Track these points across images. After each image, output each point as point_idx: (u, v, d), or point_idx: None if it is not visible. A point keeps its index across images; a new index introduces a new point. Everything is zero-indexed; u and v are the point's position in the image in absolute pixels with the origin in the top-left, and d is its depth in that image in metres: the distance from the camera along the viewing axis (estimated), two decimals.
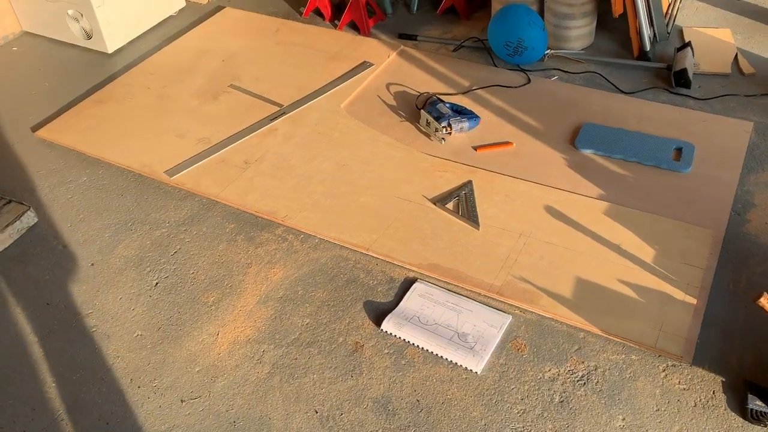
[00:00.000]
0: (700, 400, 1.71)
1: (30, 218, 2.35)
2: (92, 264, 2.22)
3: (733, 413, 1.68)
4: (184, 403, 1.81)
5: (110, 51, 3.24)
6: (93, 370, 1.90)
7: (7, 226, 2.28)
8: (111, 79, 3.07)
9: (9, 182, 2.56)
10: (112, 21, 3.19)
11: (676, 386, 1.74)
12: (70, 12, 3.18)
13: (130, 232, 2.31)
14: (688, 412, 1.69)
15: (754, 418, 1.66)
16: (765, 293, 1.65)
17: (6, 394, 1.86)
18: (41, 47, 3.36)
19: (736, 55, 2.90)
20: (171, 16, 3.52)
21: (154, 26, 3.44)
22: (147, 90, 2.96)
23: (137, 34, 3.36)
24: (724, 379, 1.75)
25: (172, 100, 2.89)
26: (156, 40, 3.34)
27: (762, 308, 1.65)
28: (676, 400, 1.71)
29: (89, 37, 3.23)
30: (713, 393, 1.72)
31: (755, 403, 1.66)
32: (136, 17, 3.32)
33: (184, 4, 3.57)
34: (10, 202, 2.37)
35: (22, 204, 2.37)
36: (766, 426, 1.65)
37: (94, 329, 2.02)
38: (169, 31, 3.41)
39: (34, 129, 2.80)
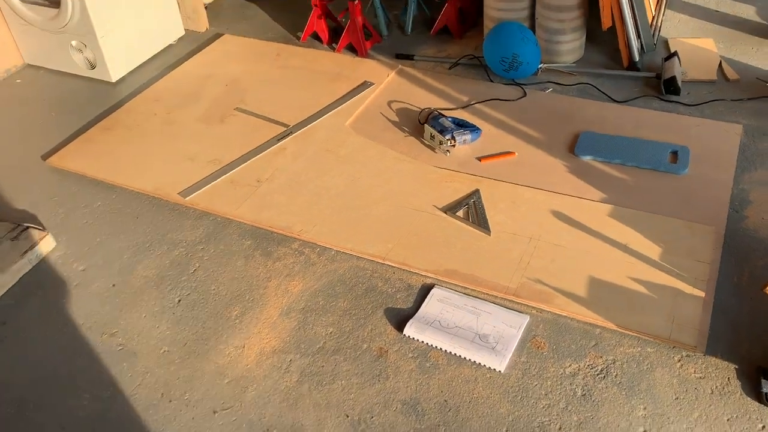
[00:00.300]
0: (717, 387, 1.79)
1: (49, 243, 2.38)
2: (113, 285, 2.26)
3: (749, 398, 1.75)
4: (216, 414, 1.84)
5: (114, 80, 3.30)
6: (123, 387, 1.93)
7: (26, 252, 2.31)
8: (117, 107, 3.12)
9: (24, 209, 2.59)
10: (116, 50, 3.26)
11: (692, 375, 1.82)
12: (73, 43, 3.25)
13: (149, 253, 2.36)
14: (705, 399, 1.76)
15: None
16: None
17: (36, 415, 1.89)
18: (44, 78, 3.41)
19: (720, 62, 3.03)
20: (170, 45, 3.59)
21: (155, 55, 3.51)
22: (154, 116, 3.02)
23: (139, 63, 3.42)
24: (737, 367, 1.82)
25: (179, 124, 2.95)
26: (157, 68, 3.41)
27: None
28: (694, 389, 1.79)
29: (93, 66, 3.29)
30: (728, 380, 1.80)
31: None
32: (137, 46, 3.39)
33: (183, 32, 3.65)
34: (27, 228, 2.40)
35: (40, 230, 2.41)
36: None
37: (121, 347, 2.05)
38: (169, 59, 3.48)
39: (45, 157, 2.84)
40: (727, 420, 1.71)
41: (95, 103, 3.20)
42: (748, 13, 3.40)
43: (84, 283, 2.27)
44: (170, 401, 1.89)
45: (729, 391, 1.77)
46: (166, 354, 2.02)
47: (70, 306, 2.20)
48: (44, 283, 2.28)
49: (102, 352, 2.04)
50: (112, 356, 2.03)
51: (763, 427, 1.69)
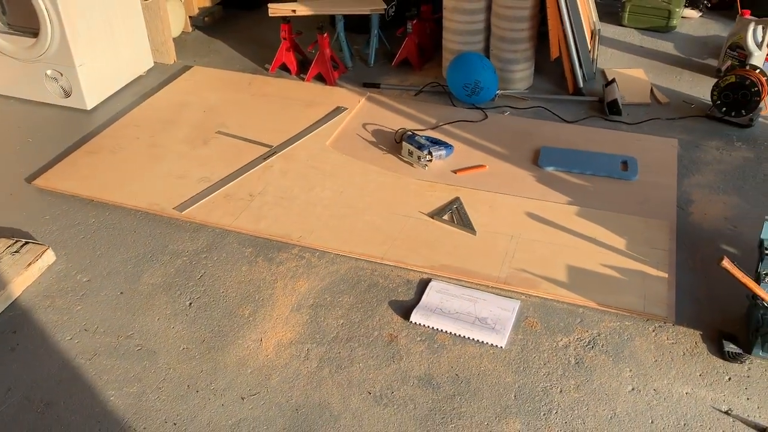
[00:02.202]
0: (687, 349, 2.06)
1: (49, 256, 2.43)
2: (121, 293, 2.33)
3: (714, 357, 2.04)
4: (245, 400, 1.95)
5: (89, 108, 3.37)
6: (149, 382, 2.01)
7: (29, 264, 2.36)
8: (95, 132, 3.20)
9: (16, 228, 2.62)
10: (91, 79, 3.35)
11: (666, 342, 2.09)
12: (48, 72, 3.31)
13: (152, 263, 2.45)
14: (679, 359, 2.03)
15: (731, 357, 2.02)
16: (725, 257, 2.04)
17: (67, 412, 1.93)
18: (14, 107, 3.44)
19: (652, 88, 3.45)
20: (140, 76, 3.71)
21: (126, 85, 3.61)
22: (136, 140, 3.12)
23: (112, 92, 3.51)
24: (701, 332, 2.11)
25: (163, 147, 3.06)
26: (131, 97, 3.51)
27: (725, 269, 2.04)
28: (669, 352, 2.06)
29: (68, 95, 3.36)
30: (696, 343, 2.08)
31: (730, 347, 2.03)
32: (110, 76, 3.49)
33: (152, 64, 3.77)
34: (26, 243, 2.44)
35: (40, 244, 2.45)
36: (742, 363, 2.01)
37: (139, 347, 2.13)
38: (141, 89, 3.59)
39: (29, 179, 2.88)
40: (700, 375, 1.99)
41: (71, 129, 3.26)
42: (668, 47, 3.89)
43: (91, 292, 2.34)
44: (197, 392, 1.98)
45: (697, 353, 2.05)
46: (186, 351, 2.11)
47: (80, 313, 2.25)
48: (51, 294, 2.33)
49: (121, 353, 2.11)
50: (132, 356, 2.10)
51: (729, 378, 1.98)
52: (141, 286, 2.36)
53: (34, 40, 3.22)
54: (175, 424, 1.89)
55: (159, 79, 3.69)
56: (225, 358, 2.08)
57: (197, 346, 2.13)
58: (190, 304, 2.28)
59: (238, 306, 2.26)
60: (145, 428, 1.88)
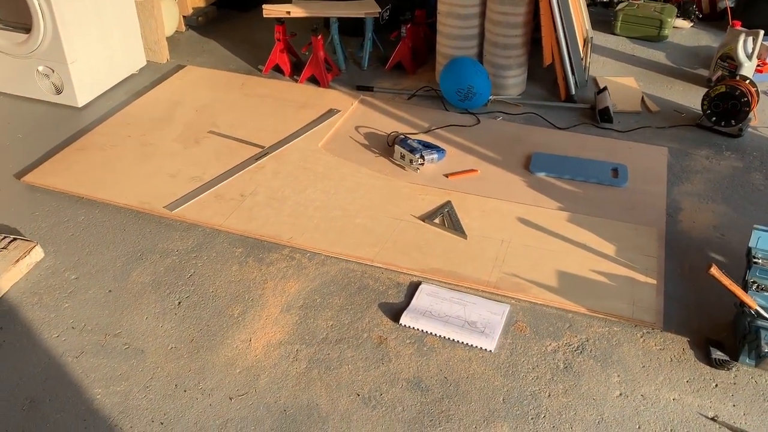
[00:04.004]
0: (675, 356, 2.08)
1: (37, 253, 2.41)
2: (110, 291, 2.32)
3: (701, 363, 2.05)
4: (233, 400, 1.94)
5: (80, 105, 3.36)
6: (136, 381, 2.00)
7: (17, 260, 2.34)
8: (86, 130, 3.19)
9: (4, 224, 2.60)
10: (83, 76, 3.33)
11: (654, 347, 2.10)
12: (40, 68, 3.30)
13: (142, 261, 2.43)
14: (667, 366, 2.05)
15: (718, 364, 2.03)
16: (713, 264, 2.06)
17: (53, 410, 1.92)
18: (5, 103, 3.42)
19: (643, 97, 3.48)
20: (133, 74, 3.69)
21: (119, 83, 3.59)
22: (128, 138, 3.10)
23: (104, 90, 3.50)
24: (689, 339, 2.13)
25: (154, 145, 3.05)
26: (123, 95, 3.50)
27: (713, 277, 2.06)
28: (656, 358, 2.07)
29: (59, 92, 3.34)
30: (683, 350, 2.09)
31: (717, 354, 2.04)
32: (102, 74, 3.47)
33: (145, 63, 3.76)
34: (15, 239, 2.43)
35: (28, 240, 2.43)
36: (728, 370, 2.03)
37: (127, 346, 2.12)
38: (134, 87, 3.58)
39: (19, 176, 2.86)
40: (687, 381, 2.00)
41: (62, 126, 3.24)
42: (659, 57, 3.92)
43: (79, 289, 2.32)
44: (185, 391, 1.97)
45: (685, 359, 2.07)
46: (174, 350, 2.10)
47: (68, 311, 2.24)
48: (38, 291, 2.31)
49: (108, 351, 2.10)
50: (119, 354, 2.09)
51: (716, 385, 1.99)
52: (130, 284, 2.34)
53: (27, 35, 3.20)
54: (162, 423, 1.88)
55: (151, 77, 3.68)
56: (213, 357, 2.08)
57: (186, 345, 2.12)
58: (179, 303, 2.27)
59: (227, 306, 2.25)
60: (131, 427, 1.87)
